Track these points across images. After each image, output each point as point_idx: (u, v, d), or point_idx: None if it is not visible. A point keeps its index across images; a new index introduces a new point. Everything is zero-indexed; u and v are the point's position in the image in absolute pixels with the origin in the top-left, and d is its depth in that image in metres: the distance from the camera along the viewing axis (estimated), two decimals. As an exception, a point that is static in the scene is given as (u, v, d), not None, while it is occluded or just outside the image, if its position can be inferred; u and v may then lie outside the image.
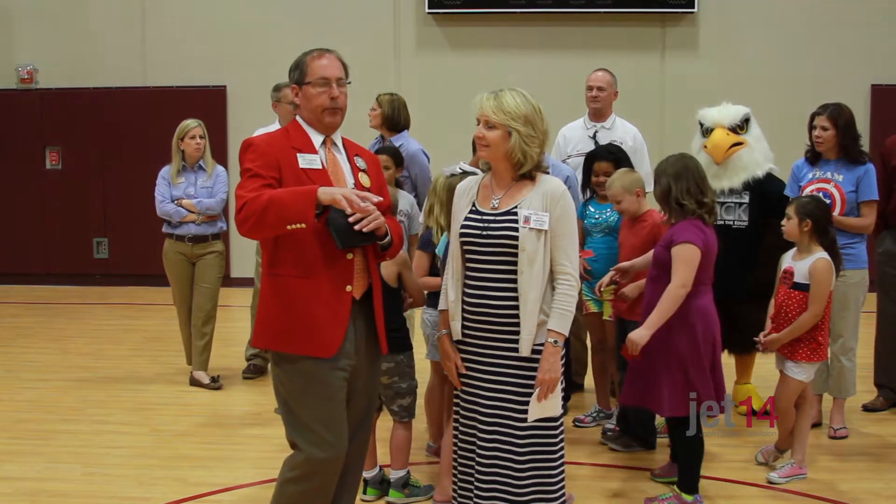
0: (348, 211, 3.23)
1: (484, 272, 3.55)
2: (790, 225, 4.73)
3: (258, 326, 3.49)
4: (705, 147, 5.47)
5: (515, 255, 3.49)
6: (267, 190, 3.28)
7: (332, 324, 3.37)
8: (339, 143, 3.56)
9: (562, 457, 3.62)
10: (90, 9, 10.51)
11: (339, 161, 3.51)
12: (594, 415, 5.64)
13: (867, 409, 5.90)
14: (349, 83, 3.52)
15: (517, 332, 3.51)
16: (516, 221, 3.51)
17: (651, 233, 4.97)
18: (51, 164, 10.67)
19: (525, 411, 3.52)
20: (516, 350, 3.52)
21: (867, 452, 5.25)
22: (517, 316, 3.50)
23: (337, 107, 3.46)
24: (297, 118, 3.54)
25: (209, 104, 10.18)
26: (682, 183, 4.34)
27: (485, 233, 3.55)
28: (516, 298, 3.50)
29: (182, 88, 10.40)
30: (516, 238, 3.49)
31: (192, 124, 6.45)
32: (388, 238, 3.45)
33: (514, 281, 3.50)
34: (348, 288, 3.39)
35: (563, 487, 3.63)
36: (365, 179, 3.52)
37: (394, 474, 4.55)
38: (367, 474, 4.54)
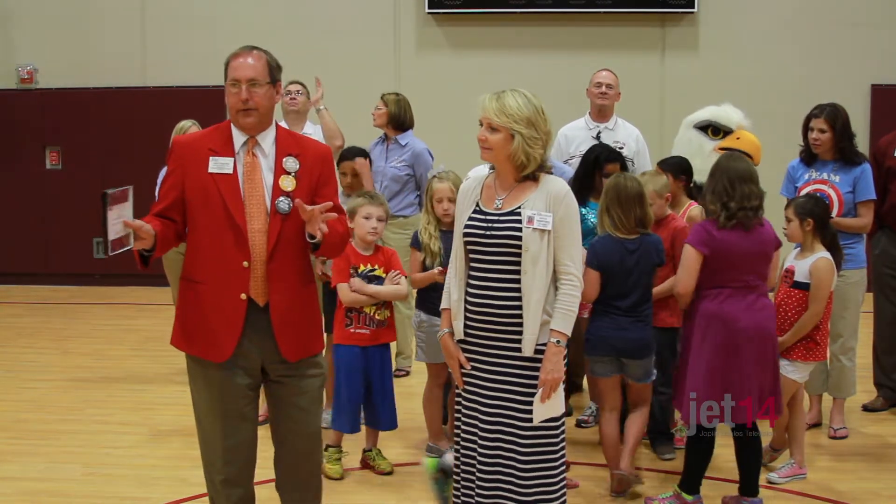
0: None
1: (487, 272, 3.55)
2: (792, 227, 4.72)
3: (173, 327, 3.60)
4: (728, 150, 5.17)
5: (519, 255, 3.50)
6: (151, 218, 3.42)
7: (224, 330, 3.41)
8: (267, 144, 3.49)
9: (563, 456, 3.63)
10: (90, 9, 10.50)
11: (260, 165, 3.45)
12: (594, 414, 5.64)
13: (867, 409, 5.90)
14: (269, 83, 3.46)
15: (520, 333, 3.51)
16: (520, 221, 3.51)
17: (671, 237, 4.90)
18: (51, 164, 10.66)
19: (528, 411, 3.52)
20: (519, 350, 3.52)
21: (867, 452, 5.26)
22: (520, 316, 3.50)
23: (248, 108, 3.42)
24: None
25: (209, 104, 10.11)
26: (711, 181, 4.29)
27: (488, 233, 3.55)
28: (519, 298, 3.50)
29: (182, 88, 10.40)
30: (520, 238, 3.49)
31: (187, 125, 6.44)
32: (317, 238, 3.39)
33: (518, 281, 3.50)
34: (243, 296, 3.40)
35: (563, 487, 3.64)
36: (288, 183, 3.44)
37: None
38: None
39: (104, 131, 10.45)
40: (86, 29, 10.50)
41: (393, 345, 6.70)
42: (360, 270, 4.79)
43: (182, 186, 3.45)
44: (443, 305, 3.74)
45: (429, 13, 10.09)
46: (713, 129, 5.36)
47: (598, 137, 6.05)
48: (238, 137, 3.47)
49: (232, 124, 3.50)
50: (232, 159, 3.43)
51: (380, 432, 5.03)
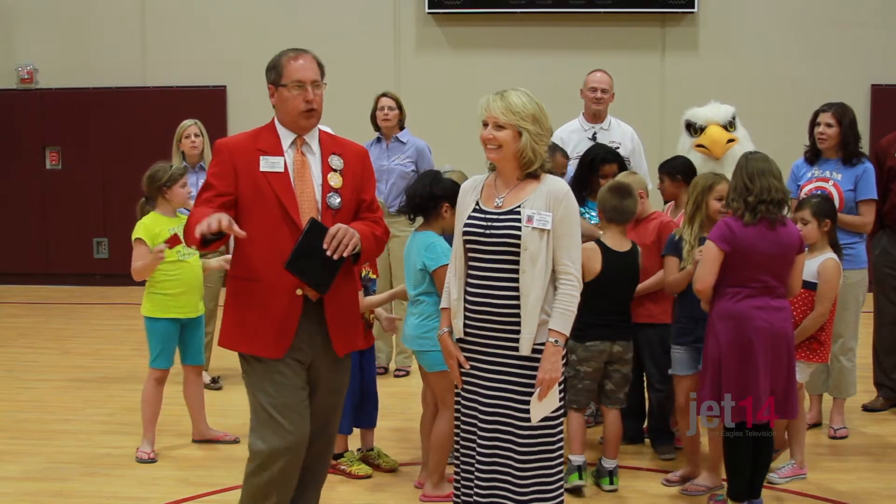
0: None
1: (486, 271, 3.55)
2: (809, 228, 4.65)
3: (222, 327, 3.60)
4: (699, 146, 5.40)
5: (518, 254, 3.50)
6: (201, 208, 3.41)
7: (280, 327, 3.44)
8: (314, 143, 3.55)
9: (560, 456, 3.63)
10: (90, 9, 10.51)
11: (309, 162, 3.51)
12: (594, 414, 5.63)
13: (867, 409, 5.90)
14: (325, 84, 3.55)
15: (518, 332, 3.51)
16: (519, 220, 3.51)
17: (657, 232, 4.99)
18: (51, 164, 10.67)
19: (526, 411, 3.52)
20: (517, 350, 3.52)
21: (867, 452, 5.25)
22: (519, 315, 3.50)
23: (312, 109, 3.49)
24: (274, 119, 3.57)
25: (209, 104, 10.18)
26: (734, 181, 4.26)
27: (488, 231, 3.55)
28: (518, 298, 3.50)
29: (182, 88, 10.40)
30: (519, 237, 3.49)
31: (187, 124, 6.46)
32: (357, 248, 3.40)
33: (516, 280, 3.50)
34: (298, 292, 3.43)
35: (561, 486, 3.64)
36: (336, 179, 3.52)
37: (609, 463, 4.66)
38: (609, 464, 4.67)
39: (104, 131, 10.46)
40: (86, 29, 10.51)
41: (394, 344, 6.77)
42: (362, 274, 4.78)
43: (235, 185, 3.46)
44: (442, 305, 3.75)
45: (429, 13, 10.10)
46: (694, 128, 5.47)
47: (593, 138, 6.06)
48: (285, 137, 3.52)
49: (278, 125, 3.54)
50: (282, 158, 3.48)
51: (375, 432, 5.04)
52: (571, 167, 5.78)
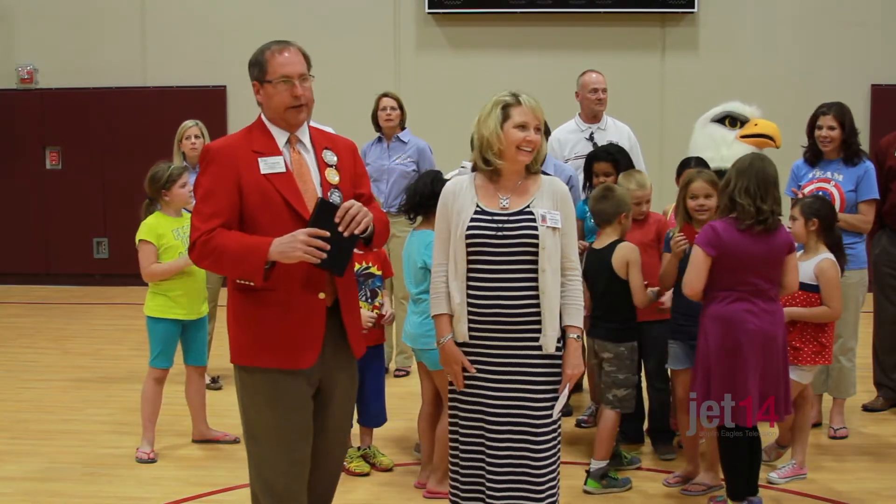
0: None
1: (497, 272, 3.51)
2: (797, 226, 4.67)
3: (232, 343, 3.37)
4: (752, 137, 5.46)
5: (535, 253, 3.48)
6: (217, 231, 3.19)
7: (307, 334, 3.28)
8: (306, 140, 3.42)
9: (559, 452, 3.63)
10: (90, 9, 10.51)
11: (305, 160, 3.37)
12: (594, 414, 5.63)
13: (867, 409, 5.90)
14: (313, 77, 3.40)
15: (536, 331, 3.49)
16: (534, 220, 3.50)
17: (656, 231, 5.05)
18: (51, 164, 10.67)
19: (545, 408, 3.51)
20: (535, 349, 3.50)
21: (867, 452, 5.25)
22: (537, 314, 3.48)
23: (301, 104, 3.33)
24: (262, 117, 3.42)
25: (209, 104, 10.18)
26: (742, 180, 4.14)
27: (500, 233, 3.52)
28: (535, 297, 3.48)
29: (182, 88, 10.40)
30: (536, 237, 3.48)
31: (188, 125, 6.46)
32: (370, 229, 3.28)
33: (531, 280, 3.48)
34: (321, 295, 3.30)
35: (556, 483, 3.64)
36: (333, 175, 3.37)
37: (594, 464, 4.63)
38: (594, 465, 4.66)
39: (104, 131, 10.46)
40: (86, 29, 10.51)
41: (395, 344, 6.77)
42: (354, 269, 4.76)
43: (238, 191, 3.24)
44: (440, 311, 3.63)
45: (429, 13, 10.10)
46: (730, 120, 5.50)
47: (591, 138, 6.07)
48: (279, 136, 3.36)
49: (268, 123, 3.38)
50: (281, 158, 3.32)
51: (374, 431, 5.03)
52: (571, 166, 5.81)
